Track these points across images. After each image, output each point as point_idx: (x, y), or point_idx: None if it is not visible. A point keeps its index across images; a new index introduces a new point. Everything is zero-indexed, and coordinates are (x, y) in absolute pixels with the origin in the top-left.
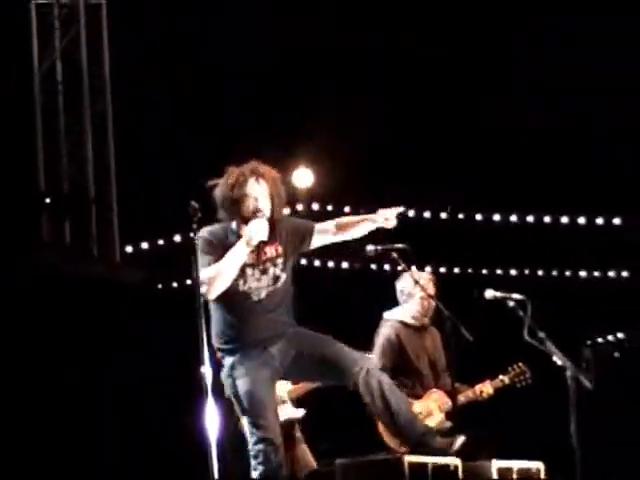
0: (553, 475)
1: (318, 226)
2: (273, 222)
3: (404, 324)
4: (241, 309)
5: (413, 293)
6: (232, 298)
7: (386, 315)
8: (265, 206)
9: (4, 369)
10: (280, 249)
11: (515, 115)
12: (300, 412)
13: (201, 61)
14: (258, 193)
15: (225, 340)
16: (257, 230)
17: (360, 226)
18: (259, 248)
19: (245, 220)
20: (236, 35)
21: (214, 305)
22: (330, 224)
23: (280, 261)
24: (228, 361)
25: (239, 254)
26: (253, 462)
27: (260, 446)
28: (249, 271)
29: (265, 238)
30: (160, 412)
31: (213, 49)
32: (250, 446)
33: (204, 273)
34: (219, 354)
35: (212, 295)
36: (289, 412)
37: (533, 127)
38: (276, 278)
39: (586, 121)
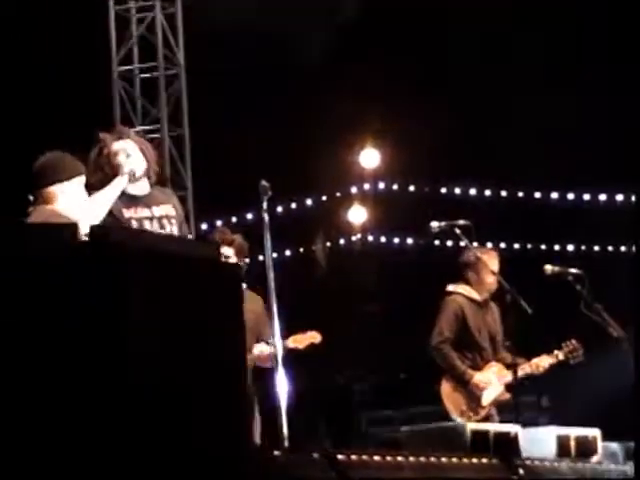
0: (610, 443)
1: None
2: (163, 182)
3: (468, 298)
4: None
5: (477, 268)
6: None
7: (450, 288)
8: (138, 158)
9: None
10: (174, 212)
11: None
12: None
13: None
14: (126, 148)
15: None
16: (130, 163)
17: None
18: (151, 201)
19: (112, 173)
20: None
21: None
22: None
23: (175, 222)
24: None
25: (115, 186)
26: None
27: None
28: (147, 224)
29: (140, 171)
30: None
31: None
32: None
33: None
34: None
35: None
36: None
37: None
38: None
39: None
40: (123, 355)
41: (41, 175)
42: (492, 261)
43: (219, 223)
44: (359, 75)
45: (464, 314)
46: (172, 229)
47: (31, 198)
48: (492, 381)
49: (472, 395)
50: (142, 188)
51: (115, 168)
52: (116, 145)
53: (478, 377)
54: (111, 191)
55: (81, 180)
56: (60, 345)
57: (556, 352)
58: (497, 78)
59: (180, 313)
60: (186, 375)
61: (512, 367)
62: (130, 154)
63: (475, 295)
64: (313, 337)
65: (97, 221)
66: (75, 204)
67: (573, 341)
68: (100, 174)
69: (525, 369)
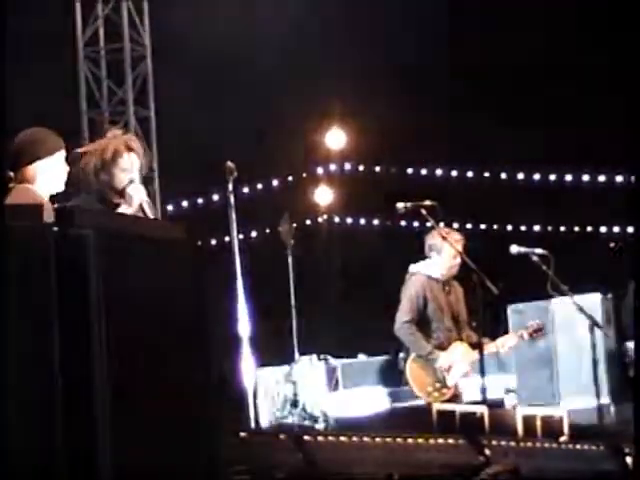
0: (576, 422)
1: None
2: None
3: (430, 278)
4: None
5: (442, 249)
6: None
7: (412, 268)
8: (136, 179)
9: None
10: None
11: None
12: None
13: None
14: (131, 166)
15: None
16: (137, 192)
17: None
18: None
19: (116, 191)
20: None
21: None
22: None
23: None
24: None
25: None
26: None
27: None
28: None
29: (145, 198)
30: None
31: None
32: None
33: None
34: None
35: None
36: None
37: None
38: None
39: None
40: (87, 339)
41: (20, 153)
42: (456, 242)
43: (185, 204)
44: (328, 57)
45: (426, 294)
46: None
47: (11, 174)
48: (458, 361)
49: (438, 375)
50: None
51: (121, 187)
52: (125, 160)
53: (444, 357)
54: None
55: (61, 155)
56: (23, 327)
57: (521, 331)
58: (465, 59)
59: (146, 294)
60: (152, 356)
61: (478, 346)
62: (134, 179)
63: (437, 275)
64: None
65: None
66: (55, 180)
67: (537, 320)
68: (90, 181)
69: (491, 348)
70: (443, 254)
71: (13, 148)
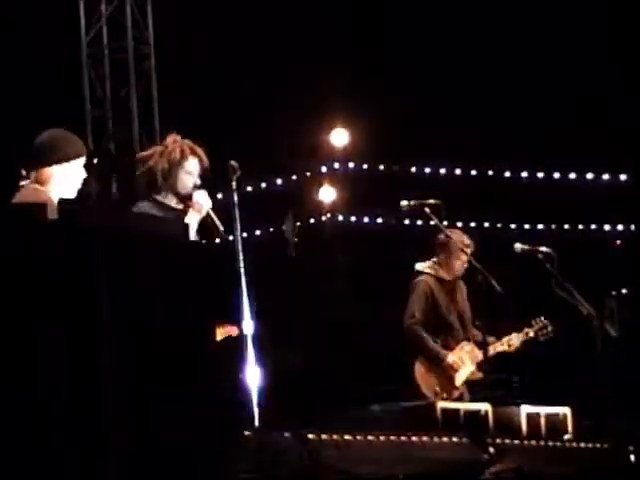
0: (579, 420)
1: None
2: None
3: (436, 278)
4: None
5: (449, 249)
6: None
7: (418, 267)
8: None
9: None
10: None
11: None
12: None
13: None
14: (195, 170)
15: None
16: (205, 199)
17: None
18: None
19: (178, 195)
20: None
21: None
22: None
23: None
24: None
25: (192, 224)
26: None
27: None
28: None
29: (210, 206)
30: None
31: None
32: None
33: None
34: None
35: None
36: None
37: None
38: None
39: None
40: (92, 337)
41: (38, 154)
42: (466, 247)
43: None
44: (328, 55)
45: (434, 294)
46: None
47: (24, 172)
48: (465, 361)
49: (445, 376)
50: None
51: (184, 192)
52: (190, 163)
53: (451, 357)
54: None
55: (79, 162)
56: (27, 325)
57: (526, 329)
58: (468, 55)
59: (149, 292)
60: (156, 353)
61: (483, 346)
62: (197, 183)
63: (444, 275)
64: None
65: None
66: (69, 186)
67: (542, 318)
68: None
69: (497, 347)
70: (450, 254)
71: (32, 147)
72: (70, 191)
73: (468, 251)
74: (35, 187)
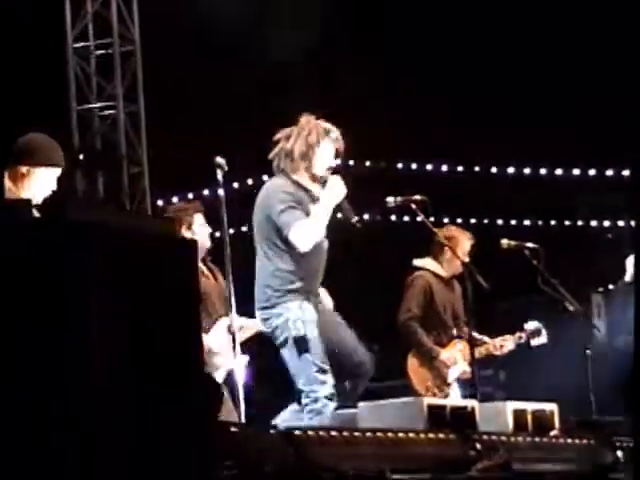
0: (567, 417)
1: None
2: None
3: (434, 274)
4: (316, 257)
5: (452, 246)
6: (315, 248)
7: (417, 263)
8: (332, 165)
9: None
10: None
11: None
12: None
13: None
14: (331, 152)
15: (293, 280)
16: (341, 186)
17: None
18: None
19: (314, 177)
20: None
21: (288, 247)
22: None
23: None
24: (294, 303)
25: (329, 210)
26: (312, 406)
27: (328, 392)
28: None
29: (345, 192)
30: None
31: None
32: (314, 390)
33: (301, 226)
34: (276, 295)
35: (308, 248)
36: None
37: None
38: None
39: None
40: (81, 333)
41: (20, 151)
42: (465, 241)
43: (175, 199)
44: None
45: (432, 291)
46: None
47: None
48: (457, 359)
49: (438, 372)
50: None
51: (320, 174)
52: (327, 144)
53: (445, 355)
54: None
55: (55, 172)
56: (14, 322)
57: (519, 334)
58: (455, 51)
59: (137, 289)
60: (143, 351)
61: (474, 344)
62: (332, 166)
63: (442, 272)
64: None
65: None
66: (38, 192)
67: (536, 322)
68: (290, 164)
69: (489, 349)
70: (452, 252)
71: (14, 145)
72: (36, 198)
73: (468, 246)
74: (8, 186)
